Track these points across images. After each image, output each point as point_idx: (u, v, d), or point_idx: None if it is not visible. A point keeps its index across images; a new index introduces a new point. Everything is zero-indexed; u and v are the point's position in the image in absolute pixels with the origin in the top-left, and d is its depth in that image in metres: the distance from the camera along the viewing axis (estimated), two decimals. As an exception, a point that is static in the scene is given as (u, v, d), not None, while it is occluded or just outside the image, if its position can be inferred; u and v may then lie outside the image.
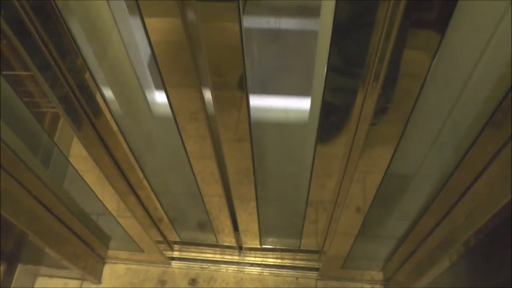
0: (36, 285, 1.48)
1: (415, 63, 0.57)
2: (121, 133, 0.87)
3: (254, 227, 1.22)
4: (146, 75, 0.81)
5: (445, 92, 0.66)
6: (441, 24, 0.52)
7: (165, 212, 1.23)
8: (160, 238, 1.36)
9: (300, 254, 1.41)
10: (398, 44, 0.54)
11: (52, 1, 0.59)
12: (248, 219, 1.17)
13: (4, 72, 0.70)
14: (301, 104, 0.85)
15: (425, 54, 0.55)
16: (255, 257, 1.46)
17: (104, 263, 1.51)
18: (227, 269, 1.47)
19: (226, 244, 1.39)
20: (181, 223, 1.33)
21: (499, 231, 0.76)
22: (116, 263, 1.51)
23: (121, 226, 1.20)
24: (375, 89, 0.61)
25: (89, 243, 1.36)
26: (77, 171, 0.93)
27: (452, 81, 0.64)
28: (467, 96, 0.65)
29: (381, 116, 0.65)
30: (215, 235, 1.33)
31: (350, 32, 0.58)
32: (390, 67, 0.57)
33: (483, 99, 0.64)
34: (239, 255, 1.47)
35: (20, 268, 1.39)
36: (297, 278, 1.44)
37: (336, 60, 0.62)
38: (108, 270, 1.50)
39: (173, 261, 1.49)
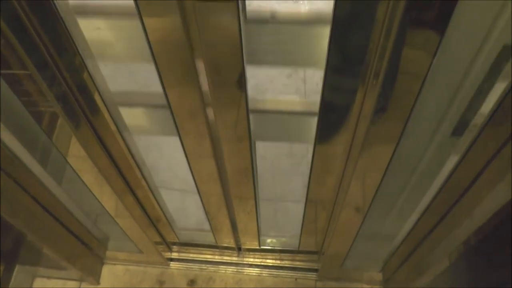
0: (34, 286, 1.47)
1: (415, 62, 0.57)
2: (119, 132, 0.87)
3: (253, 226, 1.22)
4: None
5: (445, 90, 0.66)
6: (441, 23, 0.51)
7: (163, 212, 1.23)
8: (159, 239, 1.36)
9: (299, 255, 1.41)
10: (398, 42, 0.54)
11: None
12: (246, 219, 1.16)
13: (2, 71, 0.69)
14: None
15: (425, 53, 0.55)
16: (254, 258, 1.46)
17: (102, 263, 1.50)
18: (226, 270, 1.47)
19: (225, 245, 1.39)
20: (179, 223, 1.33)
21: (500, 230, 0.76)
22: (114, 264, 1.50)
23: (119, 226, 1.20)
24: (375, 88, 0.61)
25: (87, 244, 1.35)
26: (75, 171, 0.93)
27: (452, 79, 0.63)
28: (468, 94, 0.64)
29: (381, 114, 0.65)
30: (214, 236, 1.33)
31: (349, 30, 0.57)
32: (390, 66, 0.57)
33: (483, 97, 0.64)
34: (238, 256, 1.46)
35: (18, 268, 1.38)
36: (296, 279, 1.44)
37: (336, 58, 0.62)
38: (106, 271, 1.50)
39: (171, 262, 1.49)
